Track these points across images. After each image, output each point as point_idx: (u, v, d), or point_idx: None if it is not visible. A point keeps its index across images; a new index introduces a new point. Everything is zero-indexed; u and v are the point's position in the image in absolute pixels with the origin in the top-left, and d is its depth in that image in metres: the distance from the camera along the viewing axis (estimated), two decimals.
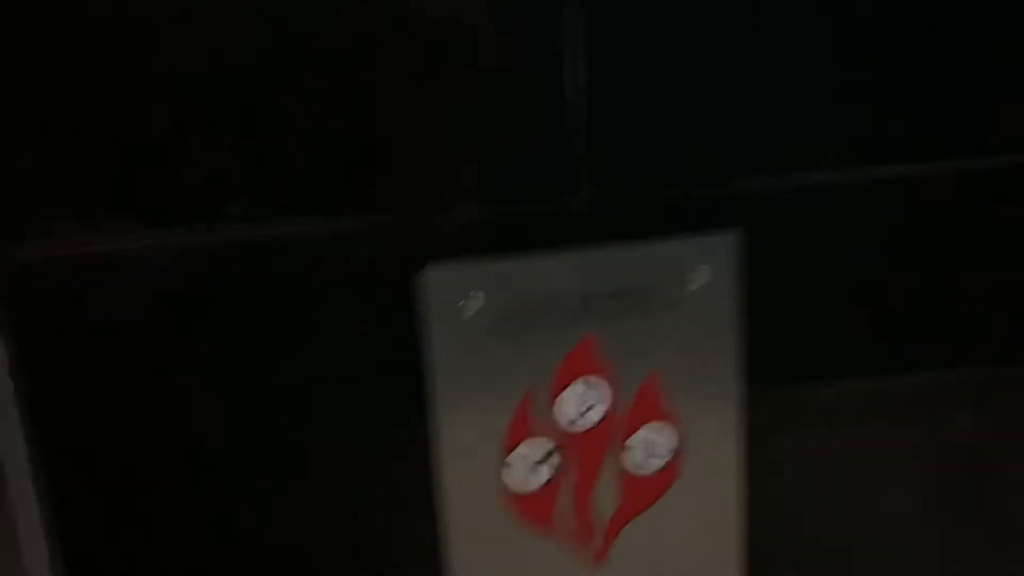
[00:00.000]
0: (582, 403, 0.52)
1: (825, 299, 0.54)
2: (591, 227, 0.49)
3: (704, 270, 0.50)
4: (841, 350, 0.55)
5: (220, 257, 0.47)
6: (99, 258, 0.46)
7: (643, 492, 0.54)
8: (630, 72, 0.48)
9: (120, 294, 0.47)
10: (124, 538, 0.51)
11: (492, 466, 0.52)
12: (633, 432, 0.53)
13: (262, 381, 0.49)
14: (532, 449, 0.52)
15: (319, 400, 0.50)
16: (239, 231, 0.47)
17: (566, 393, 0.51)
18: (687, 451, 0.53)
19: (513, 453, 0.52)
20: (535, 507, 0.53)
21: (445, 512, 0.52)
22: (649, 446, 0.53)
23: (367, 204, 0.48)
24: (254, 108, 0.46)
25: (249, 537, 0.52)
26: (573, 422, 0.52)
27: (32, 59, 0.43)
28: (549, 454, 0.52)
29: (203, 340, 0.48)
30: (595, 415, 0.52)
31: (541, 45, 0.47)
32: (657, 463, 0.53)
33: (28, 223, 0.45)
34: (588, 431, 0.52)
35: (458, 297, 0.49)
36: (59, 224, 0.46)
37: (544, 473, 0.52)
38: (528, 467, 0.52)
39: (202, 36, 0.44)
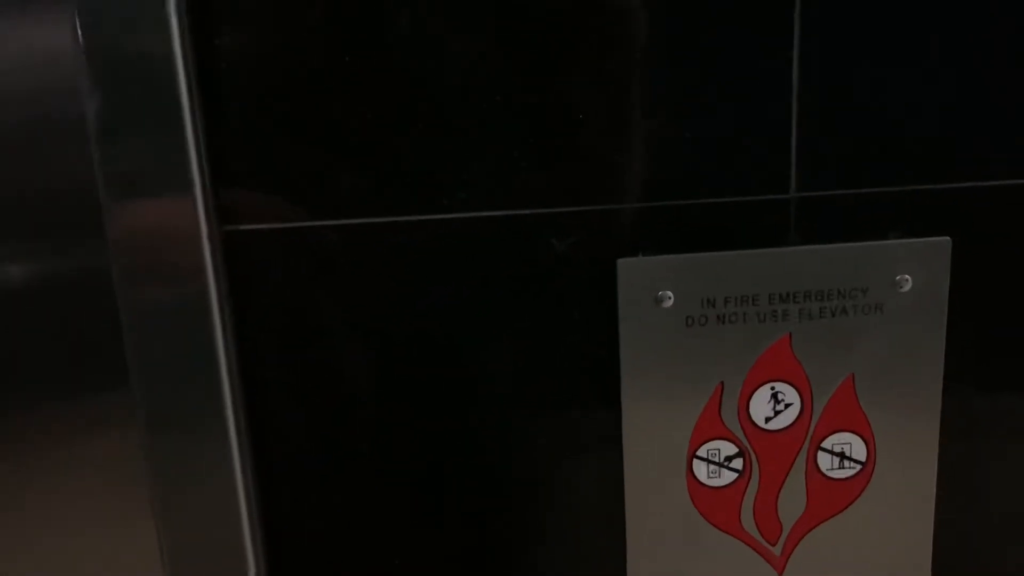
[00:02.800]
0: (775, 403, 0.51)
1: None
2: (798, 225, 0.48)
3: (913, 275, 0.49)
4: None
5: (432, 240, 0.48)
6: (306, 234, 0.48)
7: (832, 498, 0.52)
8: (849, 66, 0.47)
9: (321, 266, 0.49)
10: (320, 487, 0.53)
11: (679, 460, 0.51)
12: (825, 436, 0.51)
13: (459, 360, 0.50)
14: (721, 446, 0.51)
15: (513, 385, 0.51)
16: (454, 215, 0.48)
17: (759, 392, 0.51)
18: (880, 460, 0.52)
19: (701, 448, 0.51)
20: (720, 504, 0.52)
21: (628, 503, 0.52)
22: (841, 451, 0.52)
23: (571, 194, 0.48)
24: (470, 110, 0.47)
25: (432, 518, 0.53)
26: (765, 421, 0.51)
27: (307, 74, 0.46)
28: (738, 452, 0.51)
29: (411, 316, 0.50)
30: (788, 416, 0.51)
31: (759, 36, 0.46)
32: (848, 470, 0.52)
33: (248, 202, 0.48)
34: (779, 432, 0.51)
35: (655, 289, 0.49)
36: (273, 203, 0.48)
37: (732, 471, 0.52)
38: (716, 464, 0.51)
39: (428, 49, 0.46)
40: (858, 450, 0.52)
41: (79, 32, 0.44)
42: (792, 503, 0.52)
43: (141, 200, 0.46)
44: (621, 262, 0.48)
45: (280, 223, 0.48)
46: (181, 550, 0.51)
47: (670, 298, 0.49)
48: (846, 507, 0.52)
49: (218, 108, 0.46)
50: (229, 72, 0.46)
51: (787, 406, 0.51)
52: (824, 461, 0.52)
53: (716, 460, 0.51)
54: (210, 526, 0.51)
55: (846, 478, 0.52)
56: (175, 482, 0.50)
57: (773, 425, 0.51)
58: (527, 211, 0.48)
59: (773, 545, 0.53)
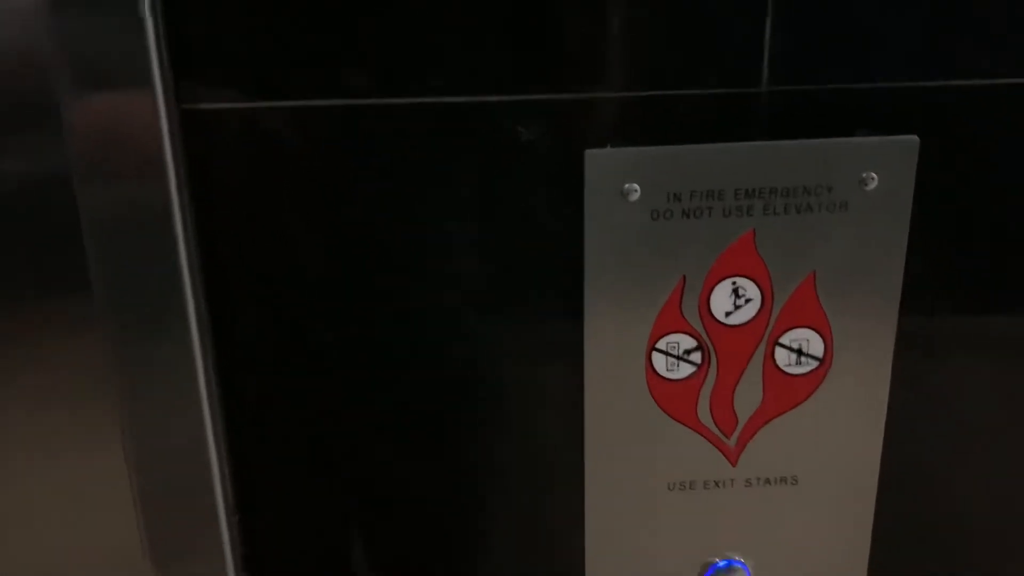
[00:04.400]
0: (735, 298, 0.51)
1: (1002, 220, 0.51)
2: (765, 119, 0.48)
3: (879, 173, 0.49)
4: (1015, 276, 0.53)
5: (394, 125, 0.47)
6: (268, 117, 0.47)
7: (787, 393, 0.53)
8: None
9: (288, 148, 0.48)
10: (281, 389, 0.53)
11: (639, 353, 0.52)
12: (784, 332, 0.52)
13: (419, 248, 0.50)
14: (680, 339, 0.52)
15: (476, 274, 0.51)
16: (418, 100, 0.47)
17: (720, 286, 0.51)
18: (837, 357, 0.53)
19: (661, 341, 0.52)
20: (678, 397, 0.53)
21: (588, 394, 0.53)
22: (799, 348, 0.52)
23: (539, 81, 0.47)
24: None
25: (392, 416, 0.54)
26: (725, 316, 0.51)
27: None
28: (697, 345, 0.52)
29: (370, 203, 0.49)
30: (748, 311, 0.51)
31: None
32: (805, 366, 0.53)
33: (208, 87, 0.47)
34: (739, 327, 0.52)
35: (621, 181, 0.49)
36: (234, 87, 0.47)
37: (690, 364, 0.52)
38: (675, 356, 0.52)
39: None
40: (815, 347, 0.52)
41: None
42: (748, 397, 0.53)
43: (99, 87, 0.45)
44: (588, 153, 0.48)
45: (242, 105, 0.47)
46: (146, 450, 0.51)
47: (636, 191, 0.49)
48: (801, 402, 0.53)
49: None
50: None
51: (747, 301, 0.51)
52: (781, 357, 0.52)
53: (675, 353, 0.52)
54: (174, 423, 0.51)
55: (802, 374, 0.53)
56: (139, 387, 0.50)
57: (733, 320, 0.51)
58: (494, 97, 0.47)
59: (728, 437, 0.54)
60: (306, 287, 0.51)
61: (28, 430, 0.50)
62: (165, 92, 0.46)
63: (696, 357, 0.52)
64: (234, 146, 0.48)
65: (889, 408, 0.54)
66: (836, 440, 0.54)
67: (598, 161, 0.48)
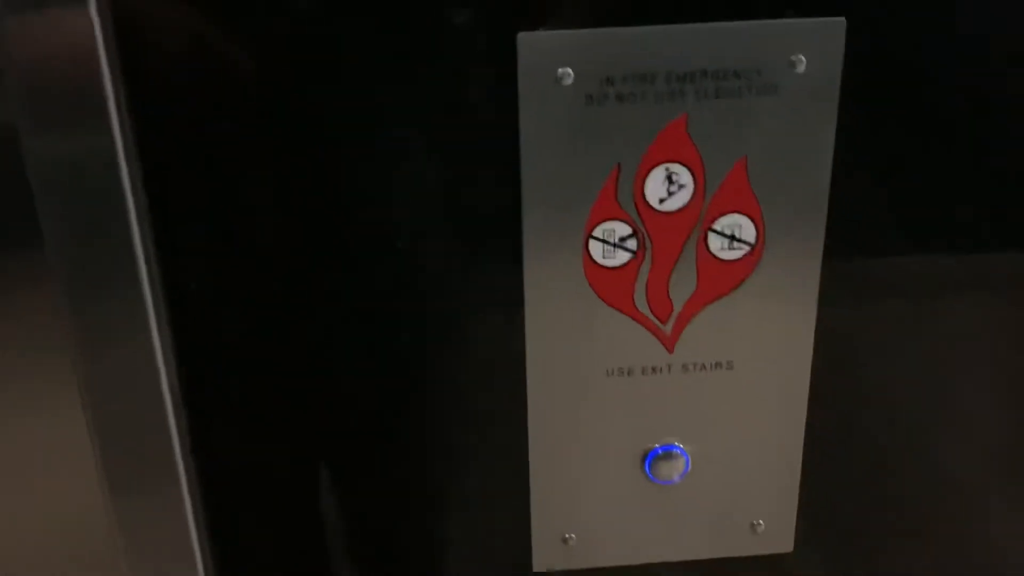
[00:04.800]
0: (669, 184, 0.52)
1: (930, 101, 0.53)
2: (697, 2, 0.48)
3: (808, 55, 0.49)
4: (939, 158, 0.54)
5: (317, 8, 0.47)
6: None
7: (721, 279, 0.54)
8: None
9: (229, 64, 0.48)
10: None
11: (576, 240, 0.52)
12: (717, 218, 0.53)
13: (352, 142, 0.50)
14: (616, 226, 0.52)
15: (410, 164, 0.51)
16: None
17: (654, 173, 0.51)
18: (769, 243, 0.54)
19: (597, 229, 0.52)
20: (614, 284, 0.54)
21: (527, 282, 0.53)
22: (731, 234, 0.53)
23: None
24: None
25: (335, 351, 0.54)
26: (659, 203, 0.52)
27: None
28: (632, 232, 0.53)
29: (300, 99, 0.49)
30: (681, 198, 0.52)
31: None
32: (737, 251, 0.54)
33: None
34: (673, 213, 0.52)
35: (553, 66, 0.49)
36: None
37: (626, 251, 0.53)
38: (611, 244, 0.53)
39: None
40: (747, 232, 0.53)
41: None
42: (683, 283, 0.54)
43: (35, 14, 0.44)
44: (521, 36, 0.48)
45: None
46: (102, 407, 0.51)
47: (570, 75, 0.49)
48: (735, 288, 0.55)
49: None
50: None
51: (681, 187, 0.52)
52: (715, 243, 0.53)
53: (611, 240, 0.53)
54: (131, 386, 0.51)
55: (735, 259, 0.54)
56: (92, 341, 0.50)
57: (667, 206, 0.52)
58: None
59: (664, 324, 0.55)
60: (252, 224, 0.51)
61: None
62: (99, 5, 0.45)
63: (631, 244, 0.53)
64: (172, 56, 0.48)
65: (820, 294, 0.55)
66: (770, 325, 0.56)
67: (531, 45, 0.48)
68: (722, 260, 0.54)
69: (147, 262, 0.49)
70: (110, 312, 0.49)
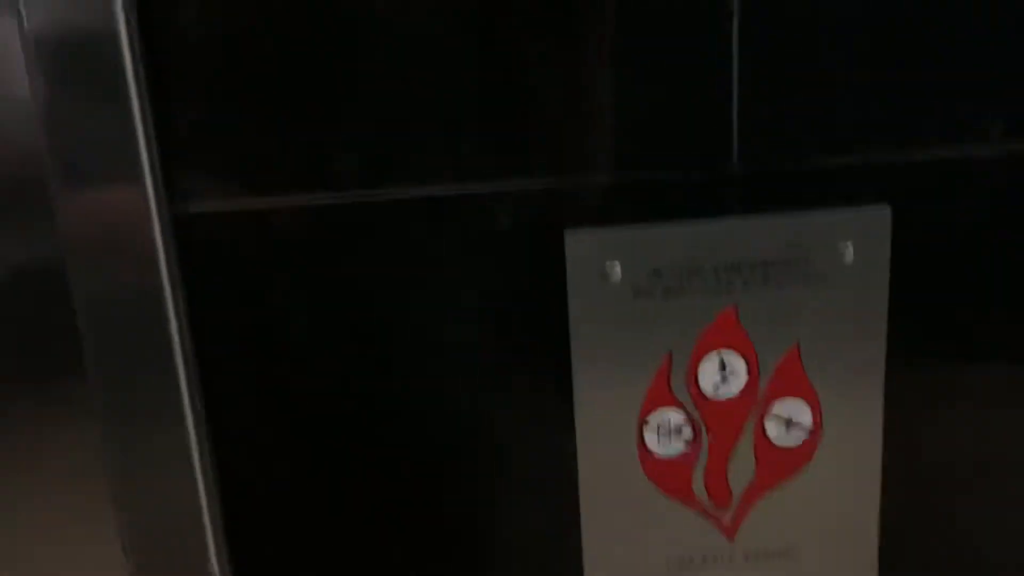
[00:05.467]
0: (722, 372, 0.52)
1: (976, 280, 0.52)
2: (740, 196, 0.49)
3: (855, 244, 0.50)
4: (992, 332, 0.53)
5: (378, 217, 0.49)
6: (257, 214, 0.49)
7: (780, 466, 0.53)
8: (788, 38, 0.47)
9: (274, 247, 0.49)
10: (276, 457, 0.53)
11: (630, 431, 0.52)
12: (772, 404, 0.52)
13: (409, 338, 0.51)
14: (671, 415, 0.52)
15: (460, 361, 0.52)
16: (396, 191, 0.48)
17: (706, 361, 0.51)
18: (827, 427, 0.53)
19: (651, 418, 0.52)
20: (671, 473, 0.53)
21: (582, 475, 0.53)
22: (788, 420, 0.53)
23: (515, 168, 0.49)
24: (400, 80, 0.47)
25: (383, 498, 0.54)
26: (713, 390, 0.52)
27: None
28: (688, 421, 0.52)
29: (361, 294, 0.50)
30: (735, 385, 0.52)
31: (700, 8, 0.46)
32: (795, 438, 0.53)
33: (198, 184, 0.48)
34: (727, 400, 0.52)
35: (602, 261, 0.50)
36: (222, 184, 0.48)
37: (681, 440, 0.52)
38: (665, 433, 0.52)
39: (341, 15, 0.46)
40: (805, 418, 0.53)
41: (23, 18, 0.44)
42: (742, 470, 0.53)
43: (91, 185, 0.46)
44: (569, 234, 0.49)
45: (230, 203, 0.49)
46: (142, 540, 0.51)
47: (617, 270, 0.50)
48: (794, 474, 0.54)
49: (165, 88, 0.46)
50: (176, 51, 0.46)
51: (734, 375, 0.52)
52: (772, 429, 0.53)
53: (666, 429, 0.52)
54: (170, 514, 0.51)
55: (793, 445, 0.53)
56: (134, 471, 0.50)
57: (721, 394, 0.52)
58: (473, 186, 0.49)
59: (724, 512, 0.54)
60: (297, 373, 0.52)
61: (23, 516, 0.51)
62: (155, 185, 0.47)
63: (687, 432, 0.52)
64: (224, 236, 0.49)
65: (883, 473, 0.54)
66: (833, 510, 0.54)
67: (578, 241, 0.49)
68: (780, 447, 0.53)
69: (190, 393, 0.49)
70: (152, 443, 0.50)
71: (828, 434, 0.53)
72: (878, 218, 0.50)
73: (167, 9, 0.46)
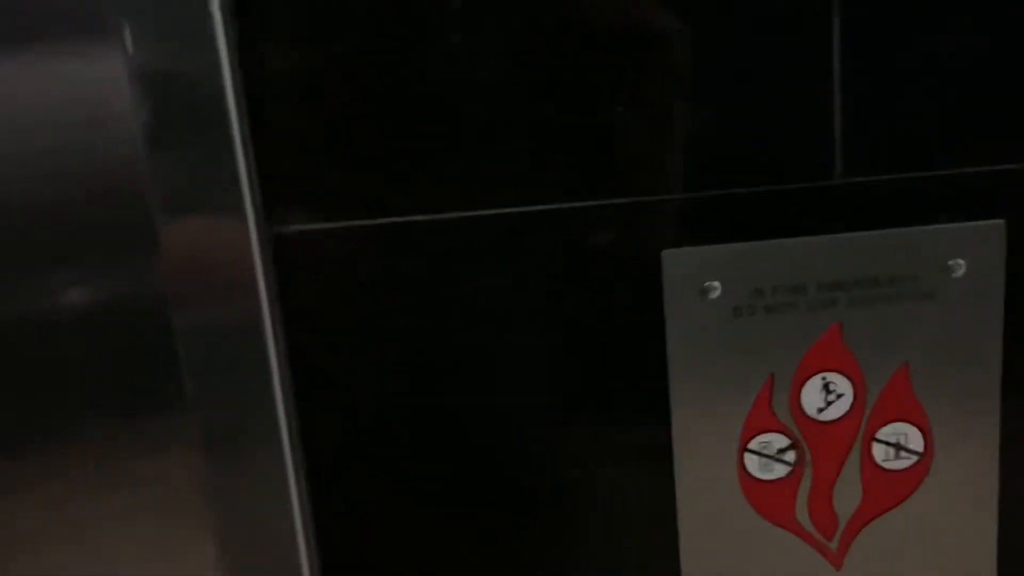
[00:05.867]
0: (827, 393, 0.50)
1: None
2: (843, 210, 0.48)
3: (966, 259, 0.48)
4: None
5: (473, 237, 0.48)
6: (352, 237, 0.49)
7: (888, 491, 0.51)
8: (892, 47, 0.46)
9: (373, 264, 0.49)
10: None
11: (730, 454, 0.51)
12: (880, 427, 0.50)
13: (503, 361, 0.50)
14: (773, 438, 0.50)
15: (558, 385, 0.51)
16: (494, 211, 0.48)
17: (810, 382, 0.50)
18: (939, 450, 0.51)
19: (752, 442, 0.51)
20: (774, 498, 0.51)
21: (680, 500, 0.51)
22: (897, 442, 0.51)
23: (611, 186, 0.48)
24: (506, 109, 0.47)
25: (475, 527, 0.53)
26: (817, 412, 0.50)
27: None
28: (791, 444, 0.50)
29: (453, 316, 0.50)
30: (841, 407, 0.50)
31: (799, 17, 0.45)
32: (904, 461, 0.51)
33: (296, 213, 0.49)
34: (832, 422, 0.50)
35: (701, 280, 0.48)
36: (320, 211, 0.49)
37: (784, 464, 0.51)
38: (768, 457, 0.51)
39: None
40: (914, 441, 0.51)
41: (129, 53, 0.45)
42: (848, 496, 0.51)
43: (194, 217, 0.47)
44: (666, 253, 0.48)
45: (327, 227, 0.49)
46: (238, 565, 0.51)
47: (717, 288, 0.48)
48: (904, 499, 0.51)
49: (264, 122, 0.47)
50: (274, 84, 0.47)
51: (839, 396, 0.50)
52: (879, 452, 0.51)
53: (768, 453, 0.51)
54: (266, 540, 0.51)
55: (903, 469, 0.51)
56: (232, 498, 0.50)
57: (826, 416, 0.50)
58: (566, 205, 0.48)
59: (829, 540, 0.52)
60: (391, 402, 0.51)
61: (124, 542, 0.51)
62: (256, 216, 0.47)
63: (790, 456, 0.51)
64: (322, 264, 0.49)
65: (1001, 500, 0.52)
66: (946, 539, 0.52)
67: (676, 261, 0.48)
68: (888, 470, 0.51)
69: (288, 419, 0.49)
70: (250, 469, 0.50)
71: (939, 458, 0.51)
72: (991, 232, 0.47)
73: (266, 47, 0.46)
